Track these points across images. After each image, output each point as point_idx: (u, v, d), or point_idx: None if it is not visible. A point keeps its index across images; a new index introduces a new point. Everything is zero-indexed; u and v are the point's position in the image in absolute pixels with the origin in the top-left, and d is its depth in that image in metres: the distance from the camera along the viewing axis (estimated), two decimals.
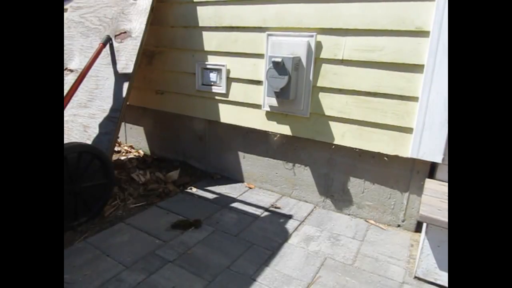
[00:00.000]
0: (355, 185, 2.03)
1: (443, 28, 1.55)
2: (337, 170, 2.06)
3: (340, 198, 2.10)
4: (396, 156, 1.84)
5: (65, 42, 2.50)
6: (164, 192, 2.25)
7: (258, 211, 2.06)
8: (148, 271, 1.50)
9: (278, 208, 2.12)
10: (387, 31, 1.70)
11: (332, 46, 1.85)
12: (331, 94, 1.92)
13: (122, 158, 2.77)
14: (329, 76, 1.90)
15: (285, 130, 2.12)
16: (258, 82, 2.14)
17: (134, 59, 2.16)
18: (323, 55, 1.89)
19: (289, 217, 2.01)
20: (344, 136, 1.94)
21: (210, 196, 2.24)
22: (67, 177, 1.71)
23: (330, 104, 1.93)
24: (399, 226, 1.96)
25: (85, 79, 2.07)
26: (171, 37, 2.44)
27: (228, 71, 2.24)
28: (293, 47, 1.93)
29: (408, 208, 1.91)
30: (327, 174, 2.10)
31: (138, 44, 2.18)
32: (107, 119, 2.12)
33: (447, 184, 1.72)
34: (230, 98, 2.28)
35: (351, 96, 1.87)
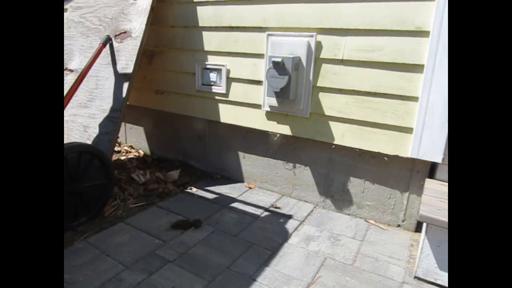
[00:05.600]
0: (355, 185, 2.03)
1: (443, 28, 1.55)
2: (337, 170, 2.06)
3: (340, 198, 2.10)
4: (396, 156, 1.84)
5: (65, 42, 2.50)
6: (164, 192, 2.25)
7: (258, 211, 2.06)
8: (148, 271, 1.50)
9: (278, 208, 2.12)
10: (387, 31, 1.70)
11: (332, 46, 1.85)
12: (331, 94, 1.92)
13: (122, 158, 2.77)
14: (329, 76, 1.90)
15: (285, 130, 2.12)
16: (258, 82, 2.14)
17: (134, 59, 2.16)
18: (323, 55, 1.89)
19: (289, 217, 2.01)
20: (344, 136, 1.94)
21: (210, 196, 2.24)
22: (67, 177, 1.71)
23: (330, 104, 1.93)
24: (399, 226, 1.96)
25: (85, 79, 2.07)
26: (171, 37, 2.44)
27: (228, 71, 2.24)
28: (293, 47, 1.93)
29: (408, 208, 1.91)
30: (327, 174, 2.10)
31: (138, 44, 2.18)
32: (107, 119, 2.11)
33: (447, 184, 1.72)
34: (230, 98, 2.28)
35: (351, 96, 1.87)
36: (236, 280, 1.46)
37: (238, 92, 2.24)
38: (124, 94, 2.12)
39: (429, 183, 1.73)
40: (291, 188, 2.26)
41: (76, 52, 2.43)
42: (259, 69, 2.12)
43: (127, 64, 2.18)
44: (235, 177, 2.49)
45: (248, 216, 2.00)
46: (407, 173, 1.87)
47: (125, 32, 2.27)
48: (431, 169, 1.81)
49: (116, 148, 2.95)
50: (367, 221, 2.00)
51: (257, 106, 2.18)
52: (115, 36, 2.29)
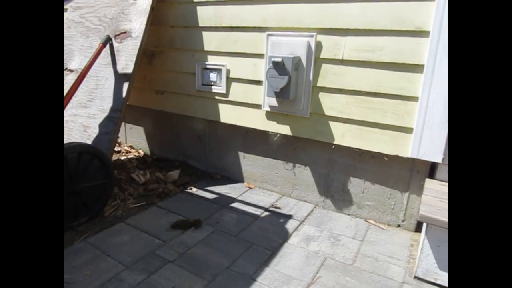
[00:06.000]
0: (355, 185, 2.03)
1: (443, 28, 1.55)
2: (337, 170, 2.06)
3: (340, 198, 2.10)
4: (396, 156, 1.84)
5: (65, 42, 2.50)
6: (164, 192, 2.25)
7: (258, 211, 2.06)
8: (148, 271, 1.50)
9: (278, 208, 2.12)
10: (387, 31, 1.70)
11: (332, 46, 1.85)
12: (331, 94, 1.92)
13: (122, 158, 2.77)
14: (329, 76, 1.90)
15: (285, 130, 2.12)
16: (258, 82, 2.14)
17: (134, 59, 2.16)
18: (323, 55, 1.89)
19: (289, 217, 2.01)
20: (344, 136, 1.94)
21: (210, 196, 2.24)
22: (67, 177, 1.71)
23: (330, 104, 1.93)
24: (399, 226, 1.96)
25: (85, 79, 2.07)
26: (171, 37, 2.44)
27: (228, 71, 2.24)
28: (293, 47, 1.93)
29: (408, 208, 1.91)
30: (327, 174, 2.10)
31: (138, 44, 2.18)
32: (107, 119, 2.11)
33: (447, 184, 1.72)
34: (230, 98, 2.28)
35: (351, 96, 1.87)
36: (236, 280, 1.46)
37: (238, 92, 2.24)
38: (124, 94, 2.12)
39: (429, 183, 1.73)
40: (291, 188, 2.26)
41: (76, 52, 2.43)
42: (259, 69, 2.12)
43: (127, 64, 2.18)
44: (235, 177, 2.49)
45: (248, 216, 2.00)
46: (407, 173, 1.87)
47: (125, 32, 2.27)
48: (431, 169, 1.81)
49: (116, 148, 2.95)
50: (367, 221, 2.00)
51: (257, 106, 2.18)
52: (115, 36, 2.29)
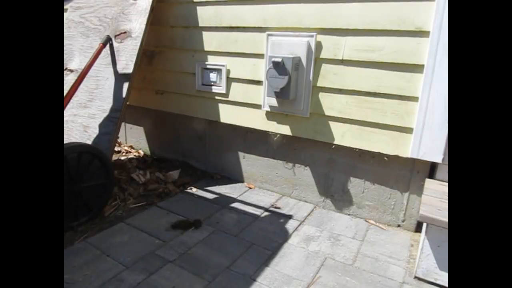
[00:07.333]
0: (355, 185, 2.03)
1: (443, 28, 1.56)
2: (337, 170, 2.06)
3: (340, 198, 2.10)
4: (396, 156, 1.84)
5: (65, 42, 2.50)
6: (164, 192, 2.25)
7: (258, 211, 2.06)
8: (148, 271, 1.50)
9: (278, 208, 2.12)
10: (387, 31, 1.70)
11: (332, 46, 1.85)
12: (331, 94, 1.92)
13: (122, 158, 2.77)
14: (329, 76, 1.90)
15: (285, 130, 2.12)
16: (258, 82, 2.14)
17: (134, 59, 2.17)
18: (323, 55, 1.89)
19: (289, 217, 2.01)
20: (344, 136, 1.94)
21: (210, 196, 2.24)
22: (67, 177, 1.71)
23: (330, 104, 1.93)
24: (399, 226, 1.96)
25: (85, 79, 2.07)
26: (171, 37, 2.44)
27: (228, 71, 2.24)
28: (293, 47, 1.93)
29: (408, 208, 1.91)
30: (327, 174, 2.10)
31: (138, 44, 2.18)
32: (107, 119, 2.11)
33: (447, 184, 1.72)
34: (230, 98, 2.28)
35: (351, 96, 1.87)
36: (236, 280, 1.46)
37: (238, 92, 2.24)
38: (124, 94, 2.12)
39: (429, 183, 1.73)
40: (291, 188, 2.26)
41: (76, 52, 2.43)
42: (259, 69, 2.12)
43: (127, 64, 2.18)
44: (235, 177, 2.49)
45: (248, 216, 2.00)
46: (407, 173, 1.87)
47: (125, 32, 2.27)
48: (431, 169, 1.81)
49: (116, 148, 2.95)
50: (367, 221, 2.00)
51: (257, 106, 2.18)
52: (115, 36, 2.29)
